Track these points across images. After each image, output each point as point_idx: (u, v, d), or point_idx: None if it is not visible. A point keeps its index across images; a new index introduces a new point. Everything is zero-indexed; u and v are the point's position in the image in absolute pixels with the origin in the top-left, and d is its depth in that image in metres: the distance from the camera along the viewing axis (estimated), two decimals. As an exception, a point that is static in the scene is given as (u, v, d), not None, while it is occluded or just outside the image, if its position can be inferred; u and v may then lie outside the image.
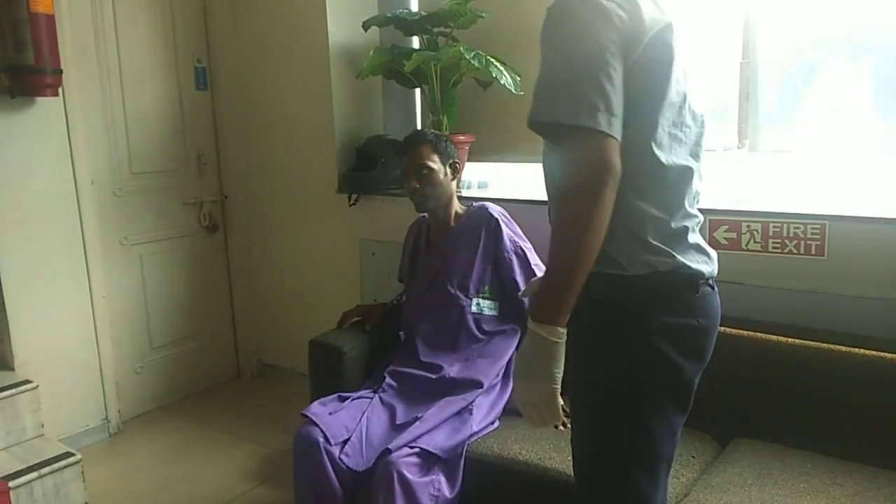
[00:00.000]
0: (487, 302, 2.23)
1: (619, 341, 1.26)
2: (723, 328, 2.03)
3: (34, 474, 2.35)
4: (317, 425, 1.96)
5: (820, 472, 1.75)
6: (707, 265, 1.30)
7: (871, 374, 1.83)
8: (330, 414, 2.01)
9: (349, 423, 2.00)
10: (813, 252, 2.01)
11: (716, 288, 1.34)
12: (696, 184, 1.33)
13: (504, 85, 2.56)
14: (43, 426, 2.63)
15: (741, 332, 2.04)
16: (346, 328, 2.42)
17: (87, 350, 2.97)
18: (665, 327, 1.25)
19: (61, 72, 2.65)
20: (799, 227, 2.02)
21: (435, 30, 2.86)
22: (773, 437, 1.93)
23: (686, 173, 1.28)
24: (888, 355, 1.83)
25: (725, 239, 2.13)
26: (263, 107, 3.39)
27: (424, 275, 2.33)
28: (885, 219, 1.94)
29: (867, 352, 1.86)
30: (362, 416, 2.03)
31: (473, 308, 2.22)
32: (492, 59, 2.58)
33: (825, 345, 1.91)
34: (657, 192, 1.24)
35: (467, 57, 2.55)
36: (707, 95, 2.73)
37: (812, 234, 2.01)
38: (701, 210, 2.13)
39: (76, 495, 2.47)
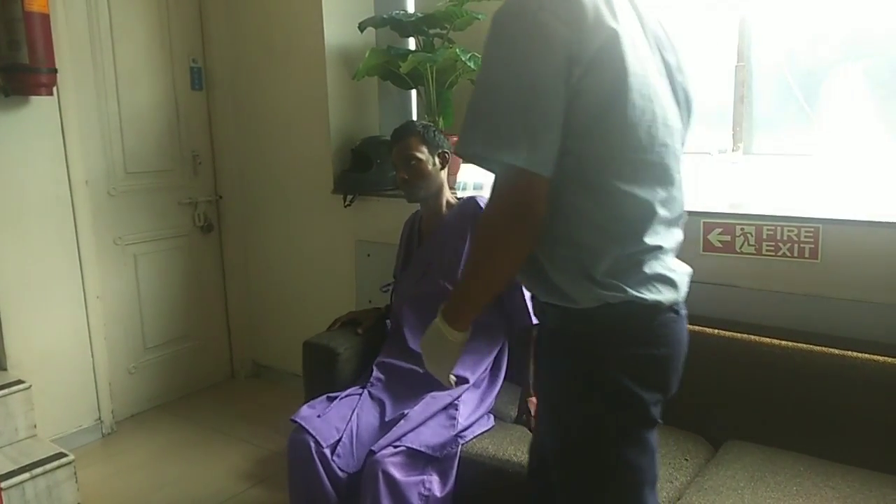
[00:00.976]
0: None
1: (576, 372, 1.21)
2: (716, 331, 2.07)
3: (26, 475, 2.35)
4: (306, 429, 1.96)
5: (812, 475, 1.76)
6: (669, 293, 1.20)
7: (865, 377, 1.84)
8: (319, 416, 2.01)
9: (339, 423, 2.00)
10: (807, 255, 2.02)
11: (682, 313, 1.26)
12: (672, 213, 1.21)
13: (500, 87, 2.56)
14: (35, 426, 2.62)
15: (735, 334, 2.04)
16: (338, 329, 2.42)
17: (80, 350, 2.96)
18: (621, 359, 1.18)
19: (56, 71, 2.64)
20: (793, 231, 2.03)
21: (431, 31, 2.86)
22: (766, 439, 1.94)
23: (647, 205, 1.15)
24: (881, 358, 1.84)
25: (720, 242, 2.14)
26: (259, 107, 3.39)
27: (417, 266, 2.34)
28: (878, 222, 1.94)
29: (860, 355, 1.86)
30: (352, 413, 2.03)
31: None
32: (488, 61, 2.57)
33: (818, 348, 1.92)
34: (611, 225, 1.14)
35: (463, 59, 2.55)
36: (702, 98, 2.75)
37: (806, 237, 2.01)
38: (695, 213, 2.16)
39: (69, 496, 2.46)
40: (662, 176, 1.18)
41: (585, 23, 1.05)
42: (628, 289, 1.15)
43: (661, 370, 1.23)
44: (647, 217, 1.16)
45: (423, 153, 2.21)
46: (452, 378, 1.36)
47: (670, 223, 1.23)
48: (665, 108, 1.18)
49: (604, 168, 1.11)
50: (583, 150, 1.10)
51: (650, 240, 1.17)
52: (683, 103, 1.29)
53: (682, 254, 2.18)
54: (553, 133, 1.06)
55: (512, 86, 1.05)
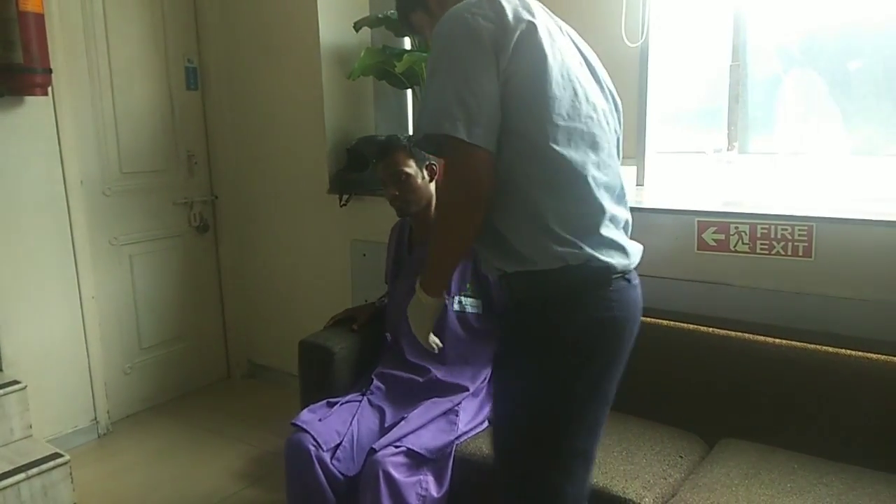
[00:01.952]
0: (470, 300, 2.23)
1: (536, 336, 1.33)
2: (710, 329, 2.07)
3: (22, 475, 2.34)
4: (307, 432, 1.95)
5: (806, 472, 1.77)
6: (622, 259, 1.33)
7: (858, 375, 1.85)
8: (320, 420, 2.01)
9: (340, 428, 2.00)
10: (800, 253, 2.02)
11: (634, 282, 1.38)
12: (608, 177, 1.34)
13: (495, 86, 2.56)
14: (31, 427, 2.61)
15: (729, 332, 2.05)
16: (333, 328, 2.42)
17: (75, 350, 2.95)
18: (580, 322, 1.30)
19: (51, 71, 2.64)
20: (786, 229, 2.04)
21: (426, 31, 2.86)
22: (761, 437, 1.94)
23: (582, 164, 1.29)
24: (875, 356, 1.85)
25: (714, 240, 2.15)
26: (254, 107, 3.39)
27: (408, 275, 2.33)
28: (871, 221, 1.95)
29: (854, 353, 1.87)
30: (352, 419, 2.03)
31: (455, 307, 2.21)
32: (482, 61, 2.58)
33: (812, 346, 1.93)
34: (560, 188, 1.28)
35: (458, 58, 2.55)
36: (696, 97, 2.76)
37: (799, 235, 2.02)
38: (690, 211, 2.16)
39: (64, 497, 2.46)
40: (591, 142, 1.32)
41: (506, 18, 1.25)
42: (584, 246, 1.28)
43: (616, 332, 1.34)
44: (584, 175, 1.29)
45: (412, 167, 2.18)
46: (435, 341, 1.52)
47: (611, 191, 1.36)
48: (586, 87, 1.34)
49: (540, 136, 1.26)
50: (521, 125, 1.26)
51: (597, 201, 1.31)
52: (611, 100, 1.46)
53: (677, 252, 2.21)
54: (488, 111, 1.23)
55: (450, 76, 1.24)
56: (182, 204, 3.41)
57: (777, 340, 1.98)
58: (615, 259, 1.31)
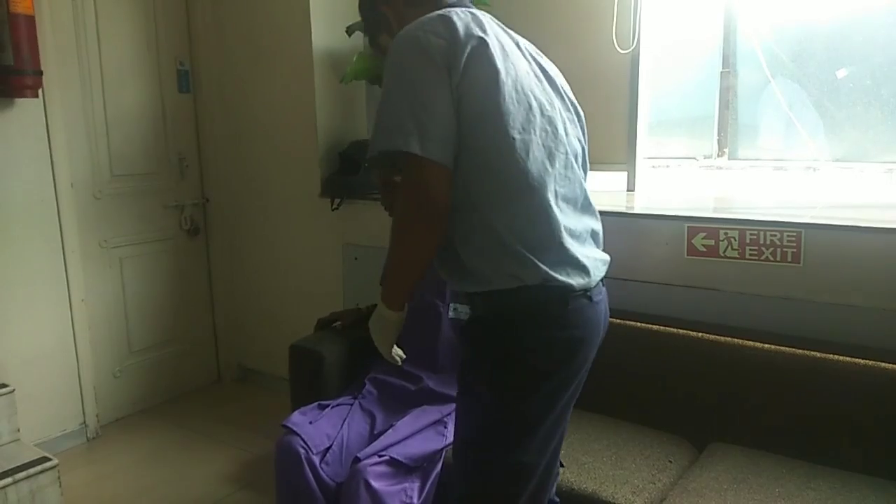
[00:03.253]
0: (464, 307, 2.23)
1: (491, 351, 1.33)
2: (700, 334, 2.09)
3: (9, 479, 2.32)
4: (298, 435, 1.95)
5: (795, 477, 1.78)
6: (581, 279, 1.32)
7: (846, 380, 1.86)
8: (310, 423, 2.00)
9: (330, 431, 2.00)
10: (789, 259, 2.04)
11: (596, 299, 1.37)
12: (567, 189, 1.34)
13: (487, 91, 2.57)
14: (19, 430, 2.60)
15: (718, 337, 2.07)
16: (324, 332, 2.42)
17: (64, 353, 2.94)
18: (536, 341, 1.30)
19: (41, 73, 2.63)
20: (775, 235, 2.05)
21: (418, 36, 2.86)
22: (750, 441, 1.96)
23: (539, 177, 1.28)
24: (863, 361, 1.86)
25: (703, 246, 2.16)
26: (246, 110, 3.38)
27: None
28: (859, 227, 1.97)
29: (842, 358, 1.89)
30: (343, 423, 2.03)
31: (451, 314, 2.21)
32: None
33: (801, 351, 1.94)
34: (517, 203, 1.27)
35: (450, 63, 2.56)
36: (686, 103, 2.78)
37: (788, 241, 2.03)
38: (679, 217, 2.18)
39: (52, 501, 2.44)
40: (549, 154, 1.31)
41: (458, 35, 1.25)
42: (541, 265, 1.27)
43: (573, 351, 1.33)
44: (541, 188, 1.28)
45: None
46: (398, 353, 1.50)
47: (572, 203, 1.36)
48: (542, 100, 1.33)
49: (494, 150, 1.26)
50: (475, 141, 1.25)
51: (555, 215, 1.29)
52: (572, 110, 1.46)
53: (667, 257, 2.22)
54: (442, 126, 1.22)
55: (403, 93, 1.24)
56: (173, 207, 3.40)
57: (766, 346, 1.99)
58: (574, 279, 1.30)
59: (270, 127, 3.30)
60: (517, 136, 1.26)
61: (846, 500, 1.67)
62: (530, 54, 1.43)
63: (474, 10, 1.36)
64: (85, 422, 3.03)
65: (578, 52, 2.70)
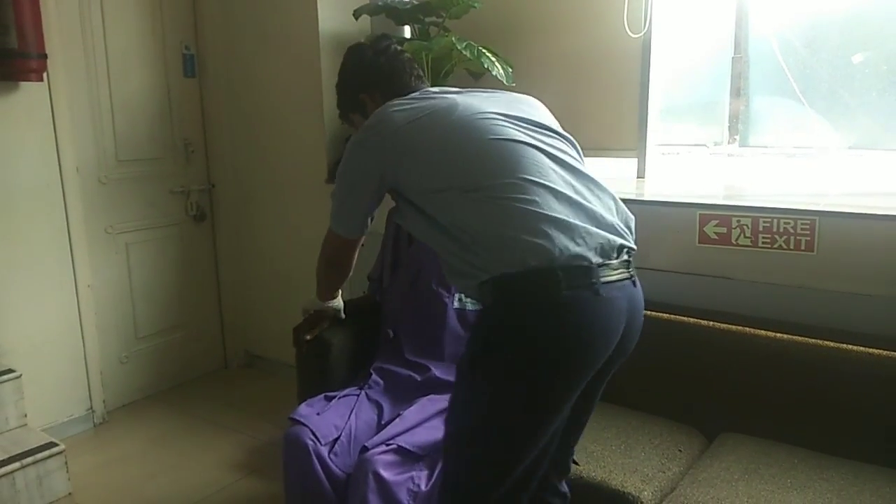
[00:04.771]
0: (470, 298, 2.21)
1: (497, 338, 1.39)
2: (711, 323, 2.07)
3: (17, 465, 2.33)
4: (306, 426, 1.93)
5: (807, 468, 1.76)
6: (585, 259, 1.36)
7: (860, 370, 1.84)
8: (318, 414, 1.98)
9: (338, 422, 1.98)
10: (803, 248, 2.01)
11: (604, 294, 1.37)
12: (558, 185, 1.40)
13: (496, 76, 2.54)
14: (26, 416, 2.60)
15: (730, 326, 2.04)
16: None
17: (71, 339, 2.94)
18: (539, 328, 1.35)
19: (46, 56, 2.61)
20: (789, 223, 2.02)
21: (426, 19, 2.83)
22: (761, 431, 1.94)
23: (521, 182, 1.38)
24: (876, 351, 1.84)
25: (715, 234, 2.13)
26: (252, 95, 3.36)
27: (407, 270, 2.31)
28: (874, 215, 1.94)
29: (855, 347, 1.86)
30: (350, 413, 2.01)
31: (456, 304, 2.20)
32: (483, 50, 2.56)
33: (814, 340, 1.92)
34: (478, 244, 1.38)
35: (459, 47, 2.53)
36: (698, 89, 2.74)
37: (802, 229, 2.01)
38: (691, 204, 2.15)
39: (60, 486, 2.45)
40: (523, 160, 1.41)
41: (394, 126, 1.48)
42: (537, 240, 1.32)
43: (573, 341, 1.34)
44: (527, 193, 1.36)
45: None
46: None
47: (575, 206, 1.39)
48: (496, 119, 1.46)
49: (463, 180, 1.41)
50: (436, 185, 1.44)
51: (546, 211, 1.35)
52: (549, 133, 1.53)
53: (678, 245, 2.20)
54: (361, 213, 1.67)
55: (344, 184, 1.63)
56: (179, 192, 3.39)
57: (778, 335, 1.97)
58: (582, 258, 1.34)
59: (277, 112, 3.27)
60: (479, 164, 1.42)
61: (860, 492, 1.65)
62: (490, 93, 1.60)
63: (424, 93, 1.60)
64: (92, 407, 3.04)
65: (589, 36, 2.66)
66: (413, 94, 1.59)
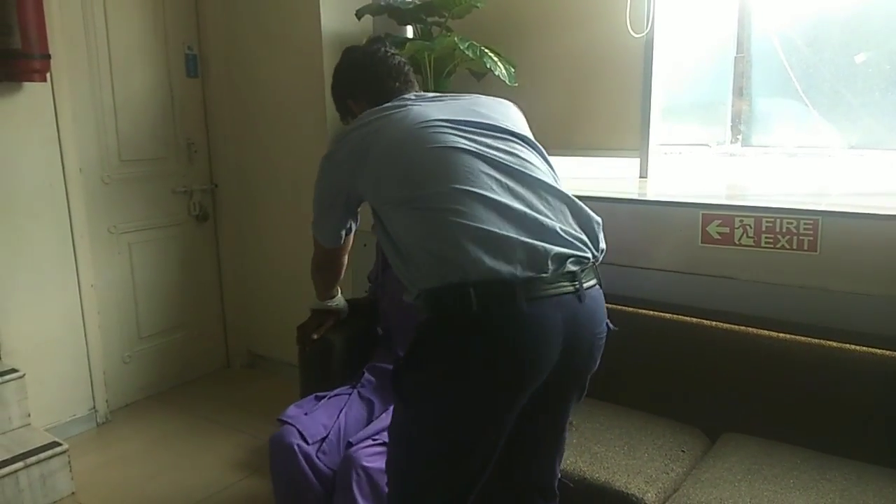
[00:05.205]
0: None
1: (441, 347, 1.39)
2: (714, 323, 2.06)
3: (20, 464, 2.34)
4: (293, 426, 1.92)
5: (809, 468, 1.76)
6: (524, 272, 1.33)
7: (862, 370, 1.84)
8: (306, 414, 1.98)
9: (326, 421, 1.97)
10: (805, 247, 2.01)
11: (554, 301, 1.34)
12: (501, 195, 1.36)
13: (498, 76, 2.54)
14: (29, 415, 2.61)
15: (733, 326, 2.04)
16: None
17: (74, 339, 2.94)
18: (486, 337, 1.33)
19: (49, 57, 2.61)
20: (792, 223, 2.02)
21: (429, 19, 2.83)
22: (764, 432, 1.94)
23: (467, 191, 1.36)
24: (879, 351, 1.84)
25: (718, 234, 2.13)
26: (255, 95, 3.36)
27: None
28: (877, 215, 1.94)
29: (858, 347, 1.86)
30: (340, 413, 2.01)
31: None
32: (486, 50, 2.56)
33: (817, 340, 1.92)
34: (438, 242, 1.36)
35: (461, 47, 2.53)
36: (700, 89, 2.74)
37: (805, 229, 2.00)
38: (694, 204, 2.15)
39: (63, 485, 2.45)
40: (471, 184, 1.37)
41: (355, 139, 1.52)
42: (484, 257, 1.28)
43: (486, 360, 1.31)
44: (455, 203, 1.34)
45: None
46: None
47: (507, 214, 1.33)
48: (439, 126, 1.44)
49: (399, 191, 1.41)
50: (392, 190, 1.43)
51: (483, 223, 1.31)
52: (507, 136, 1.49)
53: (680, 245, 2.20)
54: (333, 225, 1.72)
55: (317, 197, 1.68)
56: (181, 192, 3.39)
57: (781, 335, 1.96)
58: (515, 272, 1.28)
59: (279, 111, 3.27)
60: (423, 175, 1.42)
61: (863, 492, 1.65)
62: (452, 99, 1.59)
63: (401, 100, 1.58)
64: (95, 407, 3.04)
65: (592, 35, 2.66)
66: (387, 104, 1.57)
